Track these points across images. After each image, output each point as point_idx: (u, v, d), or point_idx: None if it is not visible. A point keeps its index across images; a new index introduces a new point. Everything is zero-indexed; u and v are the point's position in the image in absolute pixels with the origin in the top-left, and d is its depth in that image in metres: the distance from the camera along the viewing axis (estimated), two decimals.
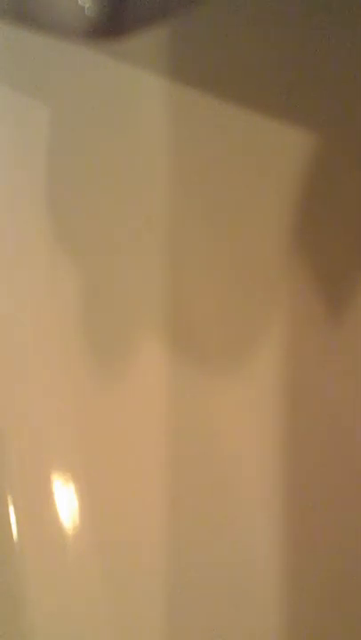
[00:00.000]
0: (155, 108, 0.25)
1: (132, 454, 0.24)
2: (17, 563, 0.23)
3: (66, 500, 0.24)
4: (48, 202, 0.25)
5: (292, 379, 0.24)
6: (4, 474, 0.24)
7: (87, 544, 0.23)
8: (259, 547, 0.23)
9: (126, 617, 0.23)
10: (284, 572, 0.23)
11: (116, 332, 0.24)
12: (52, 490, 0.24)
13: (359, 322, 0.24)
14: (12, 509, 0.23)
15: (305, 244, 0.24)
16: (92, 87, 0.25)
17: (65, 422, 0.24)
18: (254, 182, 0.25)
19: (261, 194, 0.24)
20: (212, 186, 0.25)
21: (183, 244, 0.24)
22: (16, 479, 0.24)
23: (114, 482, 0.24)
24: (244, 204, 0.25)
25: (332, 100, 0.25)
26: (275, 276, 0.24)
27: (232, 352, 0.24)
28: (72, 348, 0.24)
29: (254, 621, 0.23)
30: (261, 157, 0.25)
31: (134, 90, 0.25)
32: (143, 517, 0.23)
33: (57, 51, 0.25)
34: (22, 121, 0.25)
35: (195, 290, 0.24)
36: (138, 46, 0.25)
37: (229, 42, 0.25)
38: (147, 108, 0.25)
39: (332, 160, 0.24)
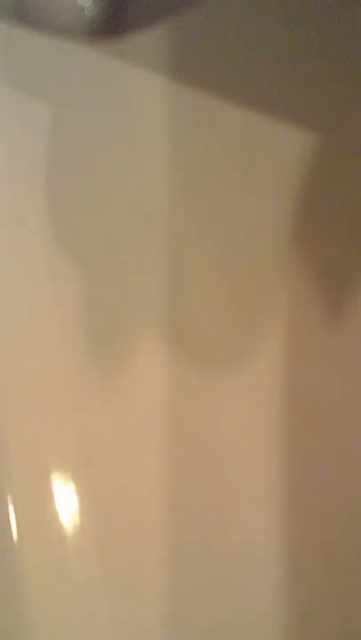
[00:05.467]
0: (155, 108, 0.25)
1: (133, 454, 0.24)
2: (17, 563, 0.23)
3: (66, 500, 0.24)
4: (48, 201, 0.25)
5: (293, 378, 0.24)
6: (4, 474, 0.24)
7: (87, 544, 0.23)
8: (259, 546, 0.23)
9: (126, 616, 0.23)
10: (284, 573, 0.23)
11: (116, 332, 0.24)
12: (52, 490, 0.24)
13: (359, 322, 0.24)
14: (11, 509, 0.23)
15: (305, 244, 0.24)
16: (92, 87, 0.25)
17: (65, 422, 0.24)
18: (254, 182, 0.25)
19: (261, 193, 0.24)
20: (212, 185, 0.25)
21: (183, 244, 0.24)
22: (16, 479, 0.24)
23: (114, 481, 0.24)
24: (244, 204, 0.25)
25: (332, 99, 0.25)
26: (275, 276, 0.24)
27: (232, 352, 0.24)
28: (72, 347, 0.24)
29: (254, 623, 0.23)
30: (261, 157, 0.25)
31: (134, 90, 0.25)
32: (143, 517, 0.23)
33: (57, 51, 0.25)
34: (22, 121, 0.25)
35: (195, 289, 0.24)
36: (138, 46, 0.25)
37: (229, 42, 0.25)
38: (147, 108, 0.25)
39: (331, 160, 0.24)
